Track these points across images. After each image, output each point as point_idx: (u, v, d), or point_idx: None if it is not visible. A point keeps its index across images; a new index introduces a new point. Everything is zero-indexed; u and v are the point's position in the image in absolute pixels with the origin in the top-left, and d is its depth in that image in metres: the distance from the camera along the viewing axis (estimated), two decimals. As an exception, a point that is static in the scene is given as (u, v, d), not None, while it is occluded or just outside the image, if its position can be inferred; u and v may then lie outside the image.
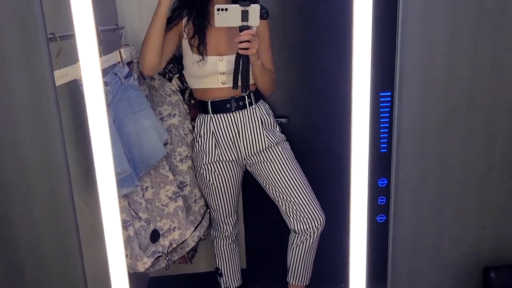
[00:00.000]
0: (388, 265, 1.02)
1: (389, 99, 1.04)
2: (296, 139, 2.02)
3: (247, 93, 1.72)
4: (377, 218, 1.10)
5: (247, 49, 1.53)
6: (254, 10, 1.49)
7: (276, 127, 1.85)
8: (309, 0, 1.94)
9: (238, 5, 1.48)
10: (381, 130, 1.07)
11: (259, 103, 1.80)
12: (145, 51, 1.60)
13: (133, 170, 1.53)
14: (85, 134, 1.42)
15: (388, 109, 1.07)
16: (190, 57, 1.70)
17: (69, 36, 1.23)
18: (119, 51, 1.61)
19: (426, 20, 0.94)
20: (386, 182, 1.11)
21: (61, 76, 1.14)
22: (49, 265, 1.06)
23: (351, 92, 0.88)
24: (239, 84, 1.58)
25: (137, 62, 1.75)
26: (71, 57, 1.24)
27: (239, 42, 1.52)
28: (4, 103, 0.95)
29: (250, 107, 1.77)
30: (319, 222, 1.81)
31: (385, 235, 1.01)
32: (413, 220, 1.00)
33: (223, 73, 1.68)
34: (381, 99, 1.03)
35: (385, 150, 1.11)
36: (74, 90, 1.32)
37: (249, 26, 1.51)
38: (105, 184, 1.02)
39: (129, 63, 1.72)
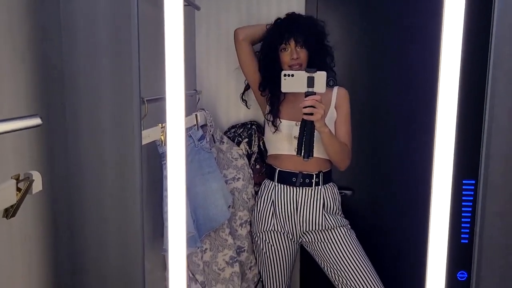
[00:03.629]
0: None
1: (473, 187, 1.00)
2: (360, 214, 1.97)
3: (315, 171, 1.71)
4: (455, 314, 1.03)
5: (311, 114, 1.53)
6: (320, 77, 1.52)
7: (339, 213, 1.78)
8: (380, 77, 1.97)
9: (304, 71, 1.53)
10: (462, 220, 1.02)
11: (326, 185, 1.76)
12: (249, 26, 1.84)
13: (196, 232, 1.55)
14: (155, 191, 1.48)
15: (471, 198, 1.02)
16: (268, 123, 1.76)
17: (153, 100, 1.33)
18: (196, 115, 1.69)
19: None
20: (466, 275, 1.03)
21: (144, 137, 1.21)
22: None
23: (431, 178, 0.86)
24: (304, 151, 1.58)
25: (210, 125, 1.83)
26: (151, 119, 1.32)
27: (304, 107, 1.54)
28: (94, 158, 1.02)
29: (316, 187, 1.74)
30: None
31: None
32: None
33: (297, 137, 1.69)
34: (463, 187, 0.99)
35: (466, 241, 1.05)
36: (150, 149, 1.39)
37: (314, 92, 1.53)
38: (176, 244, 1.03)
39: (203, 126, 1.79)
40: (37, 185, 0.73)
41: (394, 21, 1.90)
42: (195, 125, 1.69)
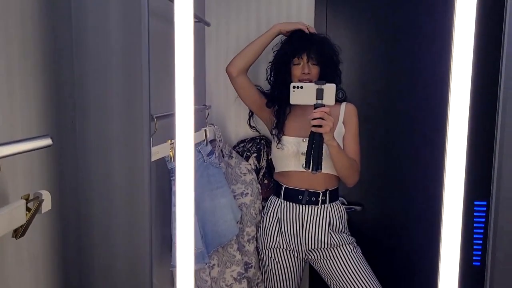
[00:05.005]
0: None
1: (485, 208, 0.98)
2: (370, 230, 1.95)
3: (322, 189, 1.70)
4: None
5: (320, 126, 1.52)
6: (330, 89, 1.52)
7: (345, 231, 1.76)
8: (391, 89, 1.96)
9: (313, 84, 1.53)
10: (474, 242, 1.00)
11: (333, 203, 1.75)
12: (239, 56, 1.76)
13: (204, 248, 1.54)
14: (163, 206, 1.48)
15: (483, 220, 1.00)
16: (274, 138, 1.76)
17: (162, 117, 1.33)
18: (205, 130, 1.70)
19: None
20: (479, 298, 1.02)
21: (153, 154, 1.22)
22: None
23: (442, 199, 0.85)
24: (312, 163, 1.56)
25: (219, 140, 1.83)
26: (160, 135, 1.33)
27: (312, 119, 1.53)
28: (103, 175, 1.02)
29: (322, 205, 1.72)
30: None
31: None
32: None
33: (304, 153, 1.67)
34: (475, 208, 0.97)
35: (478, 264, 1.03)
36: (159, 164, 1.40)
37: (323, 105, 1.53)
38: (184, 260, 1.02)
39: (212, 141, 1.80)
40: (47, 205, 0.73)
41: (405, 23, 1.90)
42: (204, 140, 1.69)
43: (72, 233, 0.98)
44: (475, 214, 0.96)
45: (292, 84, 1.55)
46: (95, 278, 1.01)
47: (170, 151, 1.35)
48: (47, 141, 0.68)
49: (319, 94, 1.52)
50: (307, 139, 1.59)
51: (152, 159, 1.23)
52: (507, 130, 0.90)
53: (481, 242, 0.99)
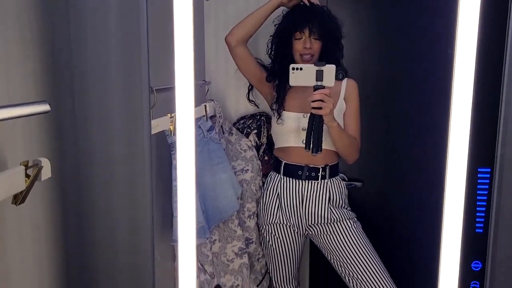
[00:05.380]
0: None
1: (488, 175, 0.98)
2: (370, 206, 1.95)
3: (321, 165, 1.69)
4: (468, 305, 1.01)
5: (320, 108, 1.51)
6: (330, 70, 1.50)
7: (345, 207, 1.76)
8: (392, 68, 1.94)
9: (313, 65, 1.51)
10: (477, 209, 1.00)
11: (333, 178, 1.74)
12: (239, 25, 1.72)
13: (205, 223, 1.54)
14: (165, 181, 1.47)
15: (487, 186, 1.00)
16: (274, 113, 1.75)
17: (161, 90, 1.32)
18: (205, 105, 1.68)
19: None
20: (481, 265, 1.02)
21: (153, 127, 1.21)
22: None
23: (445, 166, 0.84)
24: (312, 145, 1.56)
25: (219, 116, 1.82)
26: (160, 108, 1.31)
27: (312, 101, 1.52)
28: (103, 146, 1.01)
29: (322, 181, 1.72)
30: None
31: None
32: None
33: (305, 129, 1.66)
34: (479, 175, 0.97)
35: (481, 231, 1.03)
36: (160, 138, 1.39)
37: (323, 86, 1.51)
38: (185, 235, 1.02)
39: (212, 117, 1.78)
40: (46, 172, 0.73)
41: (407, 11, 1.87)
42: (204, 116, 1.68)
43: (73, 203, 0.98)
44: (478, 181, 0.95)
45: (291, 66, 1.52)
46: (95, 249, 1.01)
47: (170, 125, 1.34)
48: (45, 107, 0.67)
49: (319, 75, 1.51)
50: (308, 115, 1.58)
51: (152, 132, 1.22)
52: (512, 97, 0.88)
53: (484, 209, 0.99)
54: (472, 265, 0.99)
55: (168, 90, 1.33)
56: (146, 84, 1.02)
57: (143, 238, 1.08)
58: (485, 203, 0.96)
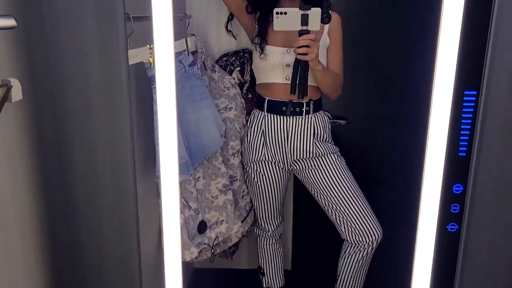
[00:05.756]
0: (456, 282, 0.94)
1: (474, 98, 0.97)
2: (354, 143, 1.96)
3: (305, 100, 1.67)
4: (447, 227, 1.03)
5: (305, 54, 1.47)
6: (315, 14, 1.44)
7: (329, 141, 1.77)
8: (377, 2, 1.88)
9: (297, 9, 1.44)
10: (461, 132, 1.00)
11: (317, 113, 1.73)
12: None
13: (189, 159, 1.53)
14: (146, 117, 1.44)
15: (472, 110, 1.00)
16: (256, 47, 1.69)
17: (140, 18, 1.25)
18: (185, 39, 1.62)
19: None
20: (462, 188, 1.04)
21: (131, 57, 1.15)
22: (108, 246, 1.06)
23: (431, 89, 0.82)
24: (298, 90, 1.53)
25: (201, 52, 1.76)
26: (139, 40, 1.25)
27: (298, 47, 1.47)
28: (79, 79, 0.96)
29: (306, 116, 1.70)
30: (375, 237, 1.71)
31: (455, 247, 0.94)
32: (490, 232, 0.92)
33: (289, 65, 1.63)
34: (465, 98, 0.96)
35: (464, 154, 1.04)
36: (139, 72, 1.34)
37: (308, 31, 1.47)
38: (168, 170, 1.01)
39: (193, 53, 1.73)
40: (17, 93, 0.69)
41: None
42: (185, 50, 1.62)
43: (50, 130, 0.94)
44: (464, 104, 0.95)
45: (275, 10, 1.45)
46: (76, 179, 0.99)
47: (150, 57, 1.29)
48: (11, 22, 0.62)
49: (304, 20, 1.44)
50: (292, 49, 1.54)
51: (130, 62, 1.17)
52: (504, 20, 0.86)
53: (468, 132, 0.99)
54: (453, 188, 1.01)
55: (146, 19, 1.27)
56: (121, 10, 0.96)
57: (124, 171, 1.06)
58: (469, 127, 0.97)
